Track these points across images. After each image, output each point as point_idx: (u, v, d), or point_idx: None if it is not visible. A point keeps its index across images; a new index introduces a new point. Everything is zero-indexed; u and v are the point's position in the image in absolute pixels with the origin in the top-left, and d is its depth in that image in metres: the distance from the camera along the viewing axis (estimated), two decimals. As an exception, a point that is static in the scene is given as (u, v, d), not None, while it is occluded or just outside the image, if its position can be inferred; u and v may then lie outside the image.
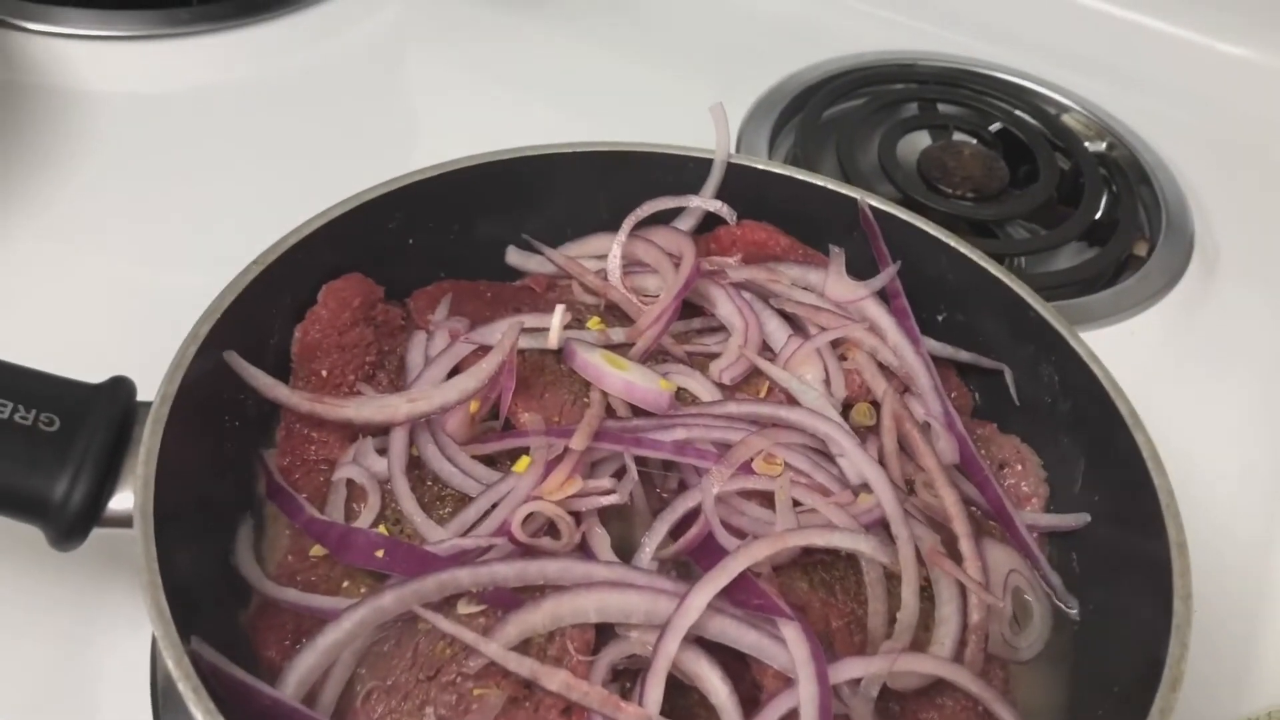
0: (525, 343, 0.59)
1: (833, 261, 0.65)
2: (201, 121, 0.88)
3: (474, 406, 0.57)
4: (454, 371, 0.60)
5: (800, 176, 0.67)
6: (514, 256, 0.68)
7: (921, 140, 0.92)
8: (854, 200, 0.66)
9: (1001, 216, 0.86)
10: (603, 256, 0.68)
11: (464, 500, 0.55)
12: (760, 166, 0.68)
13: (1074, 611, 0.57)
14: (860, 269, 0.66)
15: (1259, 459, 0.73)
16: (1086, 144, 0.94)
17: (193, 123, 0.88)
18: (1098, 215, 0.87)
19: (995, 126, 0.96)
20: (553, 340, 0.60)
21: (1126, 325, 0.79)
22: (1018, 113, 0.96)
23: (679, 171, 0.68)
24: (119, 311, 0.72)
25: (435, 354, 0.60)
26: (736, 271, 0.64)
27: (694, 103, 0.92)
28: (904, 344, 0.62)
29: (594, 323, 0.64)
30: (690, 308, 0.65)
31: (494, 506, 0.54)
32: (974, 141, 0.92)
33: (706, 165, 0.68)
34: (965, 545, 0.55)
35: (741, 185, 0.68)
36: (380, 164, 0.84)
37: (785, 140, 0.92)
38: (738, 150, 0.89)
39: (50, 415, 0.49)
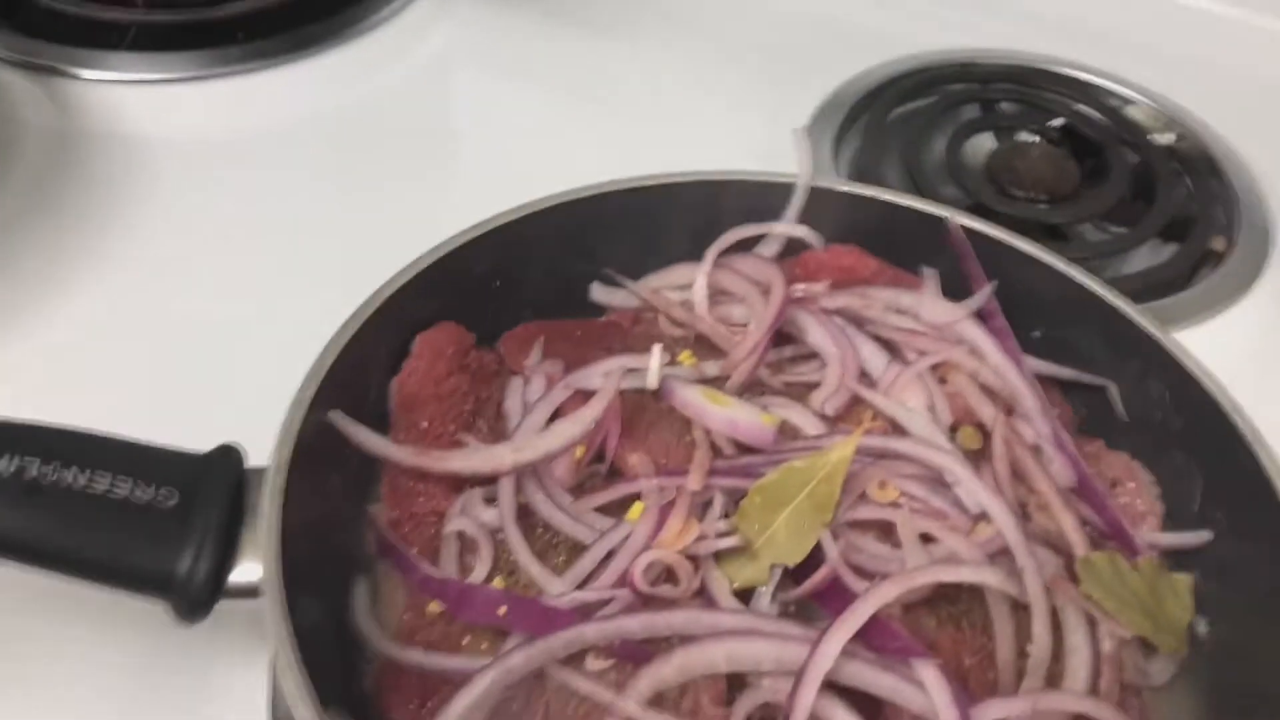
0: (624, 383, 0.59)
1: (926, 283, 0.64)
2: (263, 161, 0.87)
3: (579, 452, 0.56)
4: (554, 416, 0.59)
5: (885, 197, 0.66)
6: (599, 293, 0.68)
7: (987, 142, 0.91)
8: (942, 219, 0.65)
9: (1076, 218, 0.84)
10: (686, 287, 0.68)
11: (577, 548, 0.54)
12: (843, 189, 0.67)
13: (1203, 630, 0.56)
14: (952, 289, 0.65)
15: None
16: (1154, 136, 0.93)
17: (254, 163, 0.87)
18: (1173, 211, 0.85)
19: (1058, 123, 0.95)
20: (652, 380, 0.59)
21: (1215, 324, 0.77)
22: (1080, 107, 0.94)
23: (761, 197, 0.67)
24: (204, 366, 0.71)
25: (533, 400, 0.59)
26: (828, 299, 0.63)
27: (760, 113, 0.92)
28: (1006, 365, 0.61)
29: (685, 357, 0.64)
30: (781, 336, 0.64)
31: (609, 554, 0.53)
32: (1040, 141, 0.91)
33: (787, 190, 0.67)
34: (1088, 571, 0.54)
35: (824, 208, 0.67)
36: (448, 196, 0.85)
37: (848, 147, 0.91)
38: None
39: (168, 489, 0.48)
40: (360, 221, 0.82)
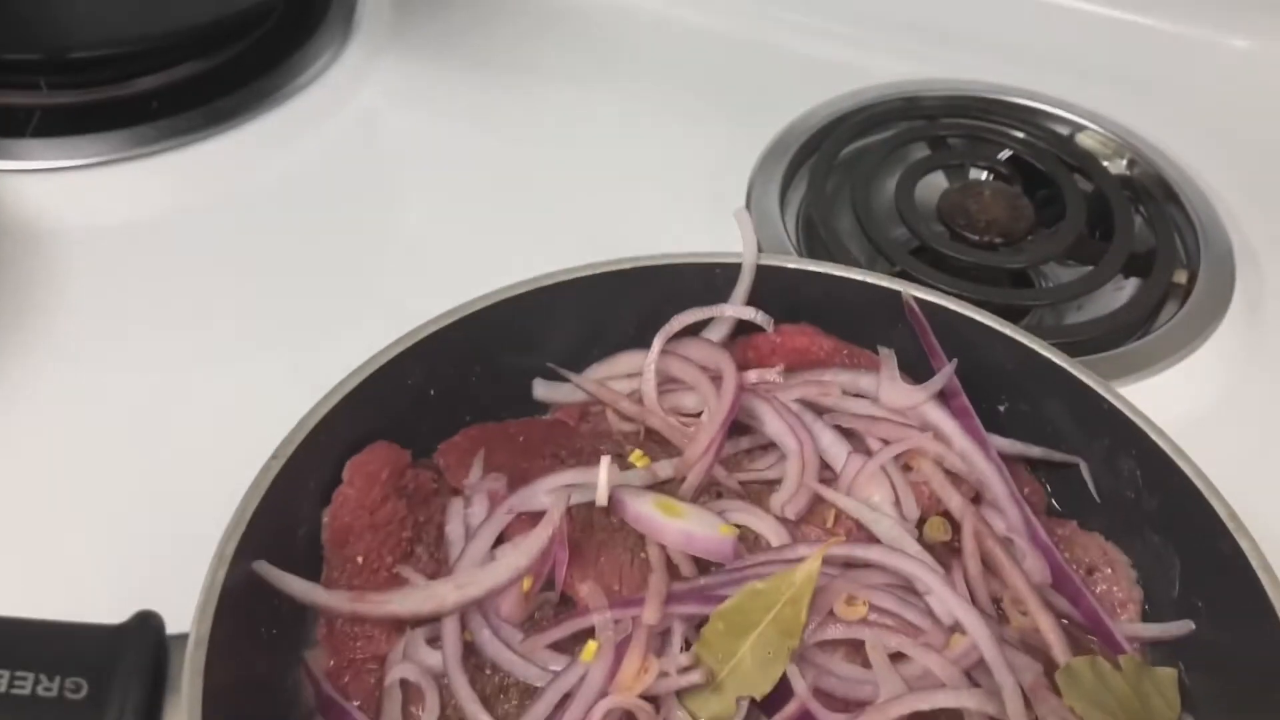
0: (571, 500, 0.55)
1: (884, 364, 0.61)
2: (183, 247, 0.82)
3: (527, 584, 0.53)
4: (499, 540, 0.55)
5: (836, 273, 0.63)
6: (541, 389, 0.64)
7: (938, 180, 0.88)
8: (897, 293, 0.62)
9: (1034, 261, 0.82)
10: (633, 375, 0.64)
11: (528, 690, 0.51)
12: (792, 266, 0.64)
13: (1190, 729, 0.53)
14: (910, 363, 0.62)
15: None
16: (1106, 164, 0.90)
17: (173, 249, 0.82)
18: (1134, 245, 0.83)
19: (1005, 155, 0.92)
20: (601, 497, 0.55)
21: (1185, 365, 0.75)
22: (1029, 138, 0.91)
23: (707, 279, 0.64)
24: (117, 499, 0.65)
25: (476, 524, 0.56)
26: (786, 392, 0.60)
27: (706, 158, 0.89)
28: (971, 449, 0.58)
29: (636, 457, 0.60)
30: (736, 425, 0.61)
31: (564, 697, 0.50)
32: (991, 179, 0.88)
33: (733, 270, 0.64)
34: (1069, 675, 0.52)
35: (773, 286, 0.64)
36: (382, 274, 0.81)
37: (796, 192, 0.88)
38: (749, 206, 0.85)
39: (76, 680, 0.44)
40: (290, 310, 0.78)
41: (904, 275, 0.80)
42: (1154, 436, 0.55)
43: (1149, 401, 0.70)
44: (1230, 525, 0.52)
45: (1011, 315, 0.78)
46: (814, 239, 0.84)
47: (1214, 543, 0.53)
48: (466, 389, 0.62)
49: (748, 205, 0.86)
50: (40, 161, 0.85)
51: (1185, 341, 0.76)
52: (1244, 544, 0.51)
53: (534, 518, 0.55)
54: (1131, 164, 0.91)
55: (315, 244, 0.83)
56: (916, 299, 0.61)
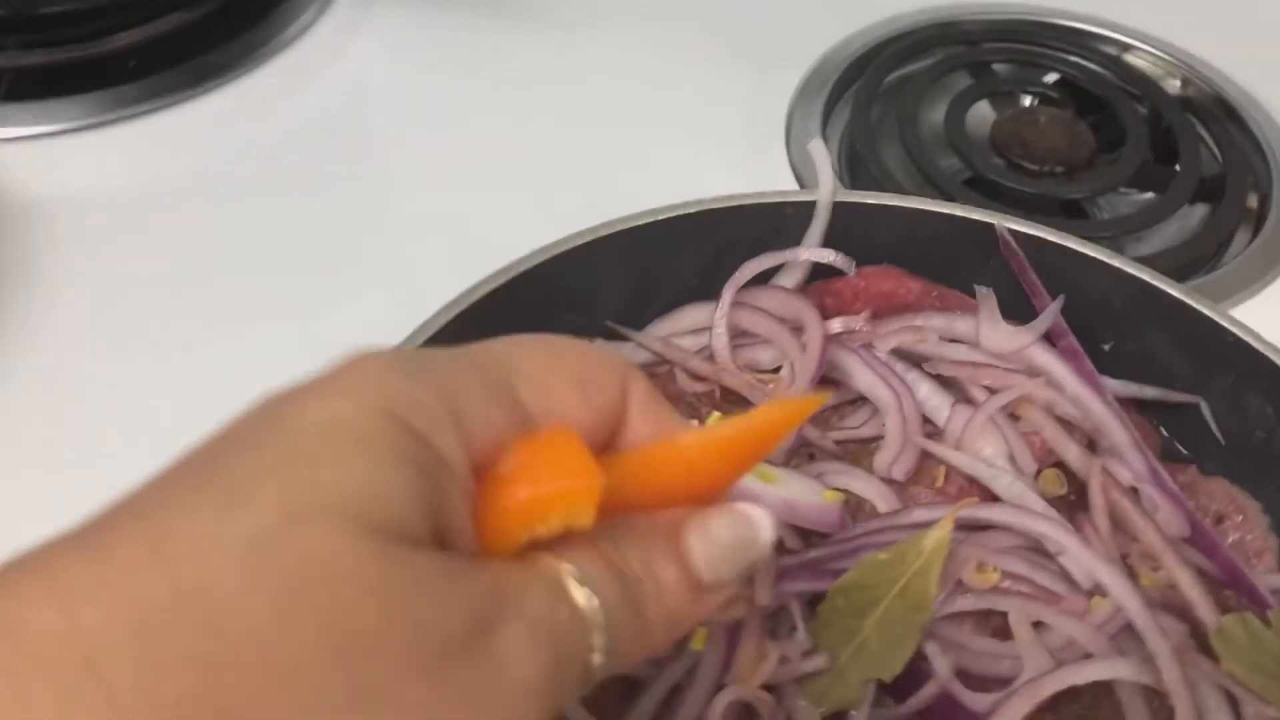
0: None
1: (982, 305, 0.55)
2: (171, 215, 0.75)
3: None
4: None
5: (922, 206, 0.58)
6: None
7: (986, 110, 0.82)
8: (989, 226, 0.57)
9: (1100, 189, 0.76)
10: (700, 331, 0.59)
11: (630, 684, 0.46)
12: (873, 201, 0.58)
13: (1351, 687, 0.49)
14: (1004, 302, 0.57)
15: None
16: (1162, 85, 0.85)
17: (161, 218, 0.75)
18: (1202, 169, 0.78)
19: (1053, 78, 0.86)
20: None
21: (1270, 293, 0.70)
22: (1077, 59, 0.86)
23: (774, 220, 0.58)
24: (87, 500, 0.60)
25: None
26: (881, 341, 0.54)
27: (739, 96, 0.83)
28: (1087, 394, 0.53)
29: (715, 420, 0.55)
30: (821, 380, 0.56)
31: (672, 690, 0.45)
32: (1046, 106, 0.83)
33: (806, 208, 0.58)
34: (1220, 636, 0.47)
35: (848, 226, 0.58)
36: (393, 237, 0.75)
37: (837, 125, 0.82)
38: (787, 144, 0.79)
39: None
40: (287, 282, 0.71)
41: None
42: (1290, 369, 0.51)
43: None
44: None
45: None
46: (860, 172, 0.78)
47: (1366, 482, 0.48)
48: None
49: (786, 143, 0.80)
50: (11, 128, 0.78)
51: (1266, 268, 0.71)
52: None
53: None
54: (1185, 83, 0.86)
55: (310, 211, 0.76)
56: (1012, 231, 0.56)
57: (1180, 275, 0.72)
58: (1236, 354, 0.52)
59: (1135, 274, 0.54)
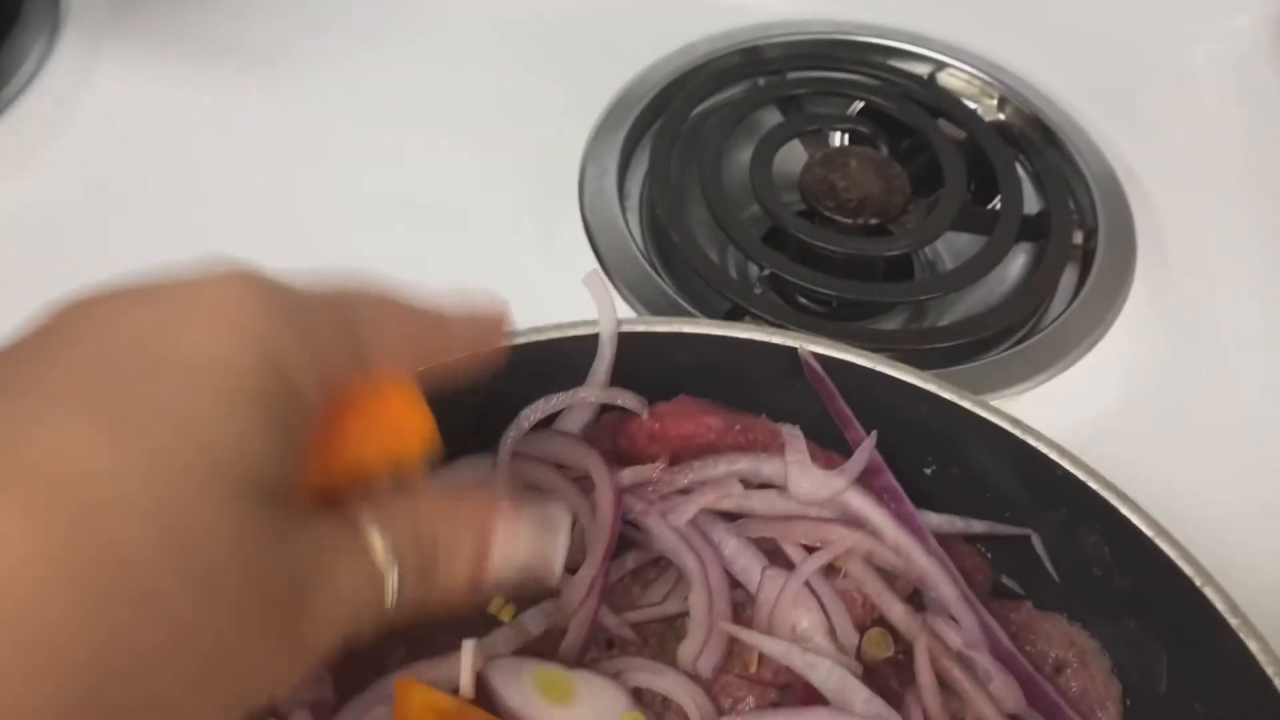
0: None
1: (790, 448, 0.49)
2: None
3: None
4: (333, 769, 0.42)
5: (716, 331, 0.50)
6: (365, 527, 0.50)
7: (798, 150, 0.76)
8: (793, 350, 0.50)
9: (921, 242, 0.70)
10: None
11: None
12: (661, 330, 0.51)
13: None
14: (816, 426, 0.51)
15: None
16: (976, 107, 0.80)
17: None
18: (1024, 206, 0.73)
19: (856, 108, 0.80)
20: (466, 687, 0.43)
21: (1110, 340, 0.66)
22: (881, 83, 0.80)
23: (555, 353, 0.51)
24: None
25: (302, 758, 0.42)
26: (679, 511, 0.48)
27: (533, 142, 0.74)
28: (909, 543, 0.48)
29: (498, 607, 0.47)
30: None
31: None
32: (857, 145, 0.76)
33: (586, 341, 0.50)
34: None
35: (640, 351, 0.51)
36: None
37: (637, 173, 0.75)
38: (581, 192, 0.71)
39: None
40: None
41: (774, 279, 0.69)
42: (1125, 510, 0.46)
43: (1078, 393, 0.63)
44: (1232, 620, 0.43)
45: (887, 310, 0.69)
46: (662, 238, 0.71)
47: (1210, 635, 0.44)
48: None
49: (580, 191, 0.72)
50: None
51: (1101, 314, 0.67)
52: (1253, 645, 0.42)
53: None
54: (1002, 103, 0.80)
55: (83, 267, 0.65)
56: (817, 356, 0.50)
57: (1009, 332, 0.68)
58: (1068, 487, 0.47)
59: (955, 400, 0.49)
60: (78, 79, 0.79)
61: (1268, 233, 0.74)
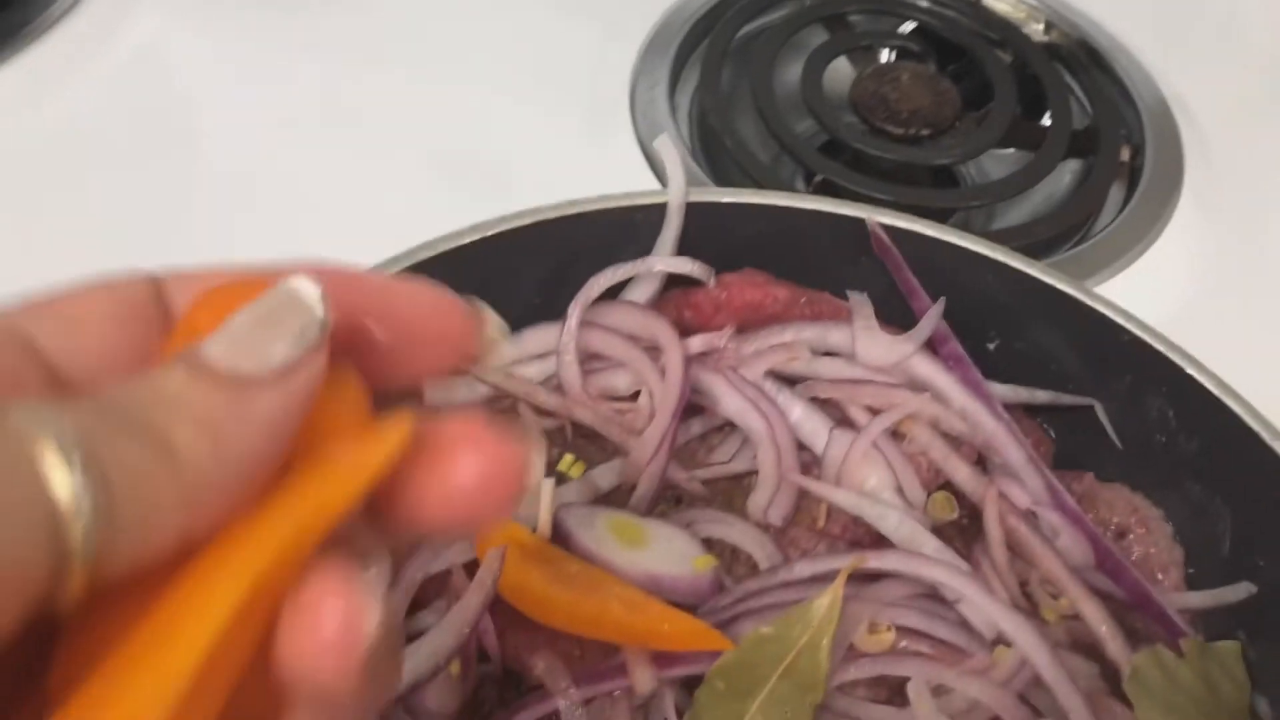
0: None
1: (856, 314, 0.50)
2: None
3: (455, 668, 0.41)
4: (413, 607, 0.43)
5: (783, 203, 0.51)
6: (433, 392, 0.50)
7: (845, 68, 0.76)
8: (860, 221, 0.50)
9: (971, 152, 0.71)
10: (545, 356, 0.52)
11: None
12: (728, 200, 0.51)
13: (1265, 711, 0.45)
14: (881, 300, 0.51)
15: None
16: (1026, 31, 0.80)
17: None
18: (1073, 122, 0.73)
19: (909, 27, 0.81)
20: (544, 525, 0.43)
21: (1149, 258, 0.66)
22: (932, 5, 0.80)
23: (622, 226, 0.51)
24: None
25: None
26: (749, 366, 0.48)
27: (583, 55, 0.75)
28: (975, 407, 0.48)
29: (568, 463, 0.48)
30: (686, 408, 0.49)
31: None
32: (906, 61, 0.77)
33: (657, 211, 0.51)
34: (1132, 674, 0.43)
35: (705, 225, 0.51)
36: (189, 241, 0.65)
37: (686, 90, 0.75)
38: (632, 111, 0.71)
39: None
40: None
41: (826, 186, 0.69)
42: (1191, 370, 0.46)
43: (1133, 297, 0.63)
44: (1295, 469, 0.43)
45: (939, 218, 0.69)
46: (714, 145, 0.71)
47: (1270, 489, 0.44)
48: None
49: (631, 110, 0.73)
50: None
51: (1149, 225, 0.67)
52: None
53: (443, 579, 0.42)
54: (1049, 27, 0.81)
55: (106, 205, 0.66)
56: (885, 227, 0.50)
57: (1058, 241, 0.68)
58: (1133, 352, 0.48)
59: (1022, 269, 0.49)
60: (121, 7, 0.79)
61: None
